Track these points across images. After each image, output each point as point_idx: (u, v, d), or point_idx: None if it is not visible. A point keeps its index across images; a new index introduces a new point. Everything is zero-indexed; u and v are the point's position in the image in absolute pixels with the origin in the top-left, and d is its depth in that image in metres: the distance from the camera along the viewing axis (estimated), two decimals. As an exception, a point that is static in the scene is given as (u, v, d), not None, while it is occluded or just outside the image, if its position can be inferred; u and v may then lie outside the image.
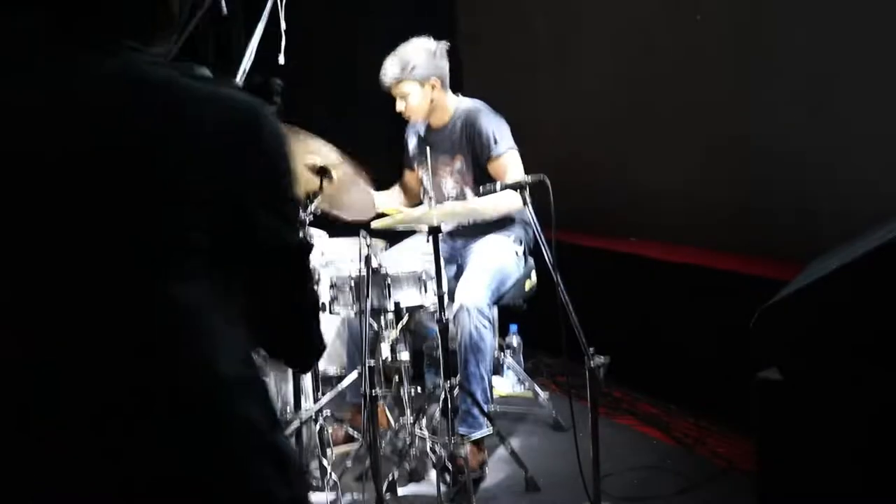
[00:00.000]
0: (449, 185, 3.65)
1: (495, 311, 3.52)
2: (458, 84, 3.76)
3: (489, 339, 3.36)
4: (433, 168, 3.33)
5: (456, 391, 3.11)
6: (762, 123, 3.85)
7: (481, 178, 3.45)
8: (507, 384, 4.11)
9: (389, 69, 3.42)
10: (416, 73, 3.40)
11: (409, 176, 3.88)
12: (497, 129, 3.50)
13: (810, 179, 3.65)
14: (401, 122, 3.73)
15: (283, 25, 2.71)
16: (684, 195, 4.27)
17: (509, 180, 3.17)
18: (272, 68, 2.72)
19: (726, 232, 4.04)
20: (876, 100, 3.39)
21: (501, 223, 3.66)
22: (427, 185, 3.10)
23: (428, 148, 3.23)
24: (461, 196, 3.62)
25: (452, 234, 3.77)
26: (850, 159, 3.49)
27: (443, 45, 3.50)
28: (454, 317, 3.31)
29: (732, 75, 3.97)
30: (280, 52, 2.77)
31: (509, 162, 3.48)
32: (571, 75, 4.76)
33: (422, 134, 3.71)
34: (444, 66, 3.50)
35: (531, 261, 3.73)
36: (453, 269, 3.70)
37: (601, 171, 4.68)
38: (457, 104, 3.61)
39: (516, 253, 3.64)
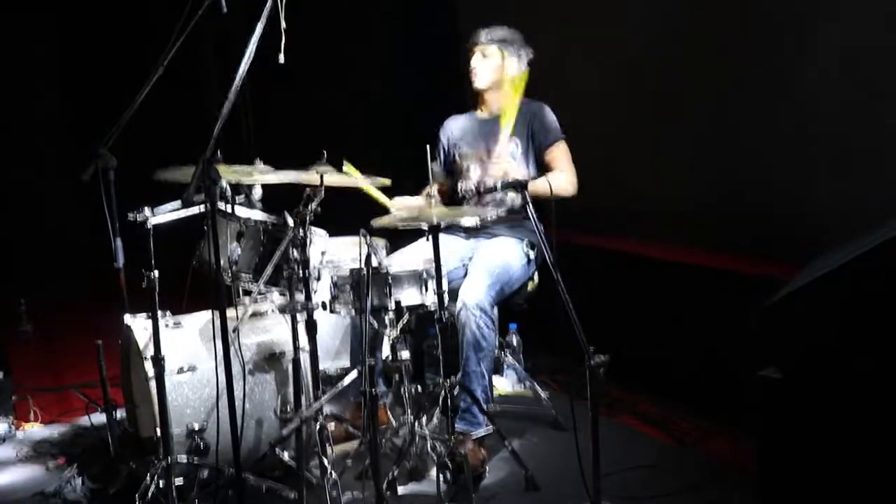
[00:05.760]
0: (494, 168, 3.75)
1: (496, 310, 3.51)
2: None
3: (491, 338, 3.40)
4: (485, 152, 3.77)
5: (456, 389, 3.12)
6: (762, 124, 3.85)
7: (530, 163, 3.76)
8: (508, 383, 4.11)
9: (486, 30, 3.82)
10: (504, 45, 3.80)
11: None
12: (555, 123, 3.81)
13: (810, 179, 3.65)
14: (400, 121, 3.73)
15: (283, 25, 2.71)
16: (684, 195, 4.27)
17: (563, 167, 3.70)
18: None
19: (726, 232, 4.04)
20: (875, 100, 3.39)
21: (515, 225, 3.70)
22: (474, 170, 3.71)
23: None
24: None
25: (468, 232, 3.79)
26: (849, 159, 3.49)
27: (530, 50, 3.84)
28: (457, 315, 3.33)
29: (732, 77, 3.97)
30: (280, 51, 2.77)
31: (563, 150, 3.77)
32: (571, 76, 4.76)
33: (477, 122, 3.89)
34: (524, 59, 3.83)
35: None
36: (462, 269, 3.72)
37: (601, 171, 4.68)
38: (521, 98, 3.81)
39: (527, 256, 3.65)
